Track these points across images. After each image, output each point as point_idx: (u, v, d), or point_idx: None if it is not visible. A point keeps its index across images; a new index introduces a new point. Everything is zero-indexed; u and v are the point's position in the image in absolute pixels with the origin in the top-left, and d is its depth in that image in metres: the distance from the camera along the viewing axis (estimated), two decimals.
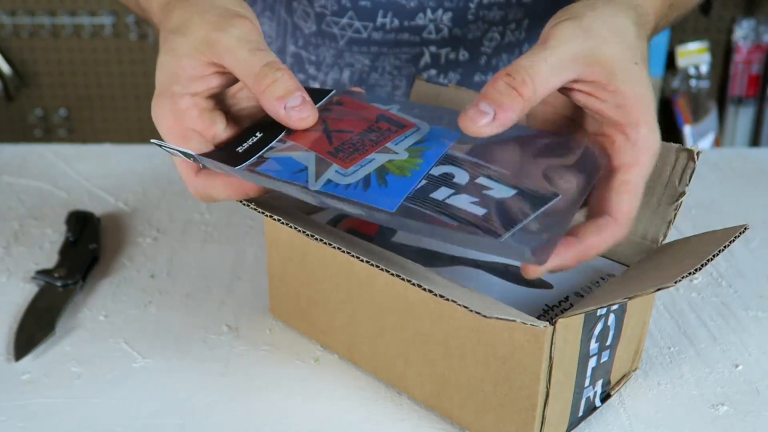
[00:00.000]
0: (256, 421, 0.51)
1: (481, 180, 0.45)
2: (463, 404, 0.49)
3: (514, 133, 0.47)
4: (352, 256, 0.45)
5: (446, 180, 0.45)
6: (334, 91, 0.53)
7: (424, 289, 0.42)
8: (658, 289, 0.40)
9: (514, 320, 0.40)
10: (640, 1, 0.49)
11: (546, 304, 0.50)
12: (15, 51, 1.87)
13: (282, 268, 0.58)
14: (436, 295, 0.42)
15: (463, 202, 0.43)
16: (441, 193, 0.44)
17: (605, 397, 0.52)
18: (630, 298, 0.41)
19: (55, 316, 0.59)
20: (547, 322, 0.42)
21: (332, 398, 0.53)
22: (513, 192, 0.44)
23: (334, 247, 0.45)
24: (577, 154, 0.46)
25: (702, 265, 0.42)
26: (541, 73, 0.44)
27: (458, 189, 0.44)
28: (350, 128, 0.50)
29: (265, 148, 0.48)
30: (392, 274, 0.43)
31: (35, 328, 0.58)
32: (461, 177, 0.45)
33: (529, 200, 0.43)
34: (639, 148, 0.45)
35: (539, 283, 0.52)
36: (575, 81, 0.45)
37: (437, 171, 0.46)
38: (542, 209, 0.42)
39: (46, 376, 0.54)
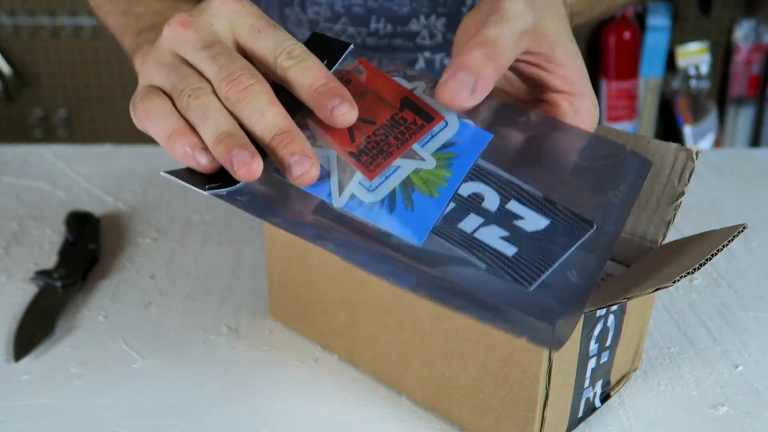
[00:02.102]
0: (256, 421, 0.51)
1: (512, 205, 0.43)
2: (463, 405, 0.49)
3: (545, 131, 0.46)
4: None
5: (475, 204, 0.44)
6: (351, 47, 0.49)
7: None
8: (657, 289, 0.40)
9: None
10: None
11: None
12: (15, 51, 1.87)
13: (281, 269, 0.58)
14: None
15: (493, 238, 0.42)
16: (470, 223, 0.43)
17: (605, 397, 0.52)
18: (629, 299, 0.41)
19: (55, 316, 0.59)
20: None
21: (332, 399, 0.53)
22: (546, 223, 0.43)
23: None
24: (614, 159, 0.45)
25: (701, 265, 0.42)
26: (509, 45, 0.45)
27: (488, 218, 0.43)
28: (373, 118, 0.47)
29: None
30: None
31: (35, 328, 0.58)
32: (491, 200, 0.44)
33: (562, 233, 0.42)
34: (581, 116, 0.48)
35: None
36: (524, 53, 0.47)
37: (465, 189, 0.44)
38: (576, 245, 0.42)
39: (45, 377, 0.54)
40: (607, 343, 0.49)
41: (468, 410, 0.49)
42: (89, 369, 0.55)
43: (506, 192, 0.44)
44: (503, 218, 0.43)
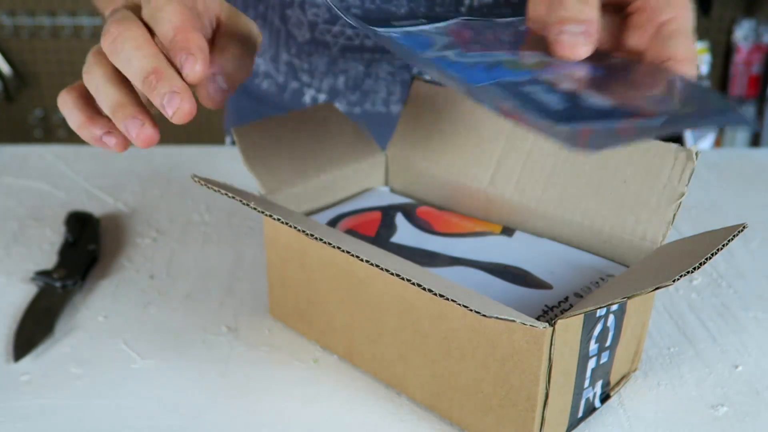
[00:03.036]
0: (255, 422, 0.51)
1: (584, 95, 0.42)
2: (463, 405, 0.49)
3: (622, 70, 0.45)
4: (352, 255, 0.45)
5: (548, 83, 0.42)
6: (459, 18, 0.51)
7: (424, 289, 0.42)
8: (657, 288, 0.40)
9: (513, 320, 0.40)
10: None
11: (545, 305, 0.50)
12: (15, 51, 1.87)
13: (281, 269, 0.58)
14: (435, 294, 0.41)
15: (549, 99, 0.40)
16: (532, 89, 0.41)
17: (605, 398, 0.52)
18: (629, 298, 0.41)
19: (55, 316, 0.59)
20: (547, 323, 0.42)
21: (331, 399, 0.53)
22: (610, 103, 0.41)
23: (333, 247, 0.45)
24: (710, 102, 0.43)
25: (700, 264, 0.42)
26: None
27: (554, 91, 0.41)
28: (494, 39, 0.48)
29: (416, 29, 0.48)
30: (392, 274, 0.43)
31: (34, 328, 0.58)
32: (567, 85, 0.42)
33: (622, 114, 0.40)
34: (674, 4, 0.45)
35: (539, 284, 0.52)
36: None
37: (543, 76, 0.43)
38: (629, 122, 0.39)
39: (45, 377, 0.54)
40: (607, 344, 0.49)
41: (468, 410, 0.49)
42: (89, 369, 0.55)
43: (581, 90, 0.43)
44: (567, 94, 0.41)
